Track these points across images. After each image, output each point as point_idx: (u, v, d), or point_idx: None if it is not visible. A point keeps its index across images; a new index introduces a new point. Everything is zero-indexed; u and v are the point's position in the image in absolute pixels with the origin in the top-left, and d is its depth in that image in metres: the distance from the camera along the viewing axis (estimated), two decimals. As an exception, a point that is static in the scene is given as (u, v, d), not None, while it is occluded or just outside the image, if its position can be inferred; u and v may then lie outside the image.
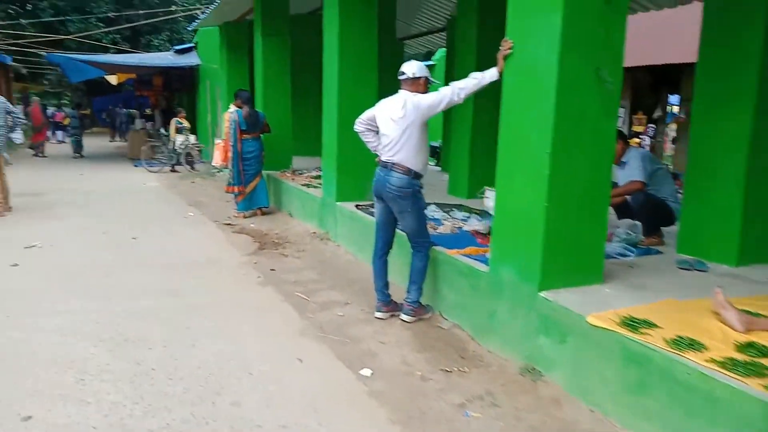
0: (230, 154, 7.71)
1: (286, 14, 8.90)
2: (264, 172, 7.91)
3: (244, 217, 7.72)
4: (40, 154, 17.33)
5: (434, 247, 4.12)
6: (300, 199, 7.47)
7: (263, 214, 7.90)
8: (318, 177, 7.56)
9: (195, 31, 15.41)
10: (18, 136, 7.77)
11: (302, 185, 7.59)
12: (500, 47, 3.33)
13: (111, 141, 22.15)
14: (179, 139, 14.05)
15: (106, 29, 25.65)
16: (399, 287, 4.27)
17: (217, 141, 8.87)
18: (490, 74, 3.49)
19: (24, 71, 25.71)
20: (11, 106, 7.48)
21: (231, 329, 3.84)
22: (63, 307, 4.17)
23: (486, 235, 4.32)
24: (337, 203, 6.15)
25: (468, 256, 3.93)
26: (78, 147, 17.64)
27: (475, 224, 4.78)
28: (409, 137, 3.73)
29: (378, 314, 4.02)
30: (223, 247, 6.26)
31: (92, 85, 29.88)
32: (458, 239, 4.45)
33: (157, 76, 17.74)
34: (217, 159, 8.59)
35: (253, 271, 5.28)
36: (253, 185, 7.72)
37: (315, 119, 7.47)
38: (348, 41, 6.01)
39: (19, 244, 6.03)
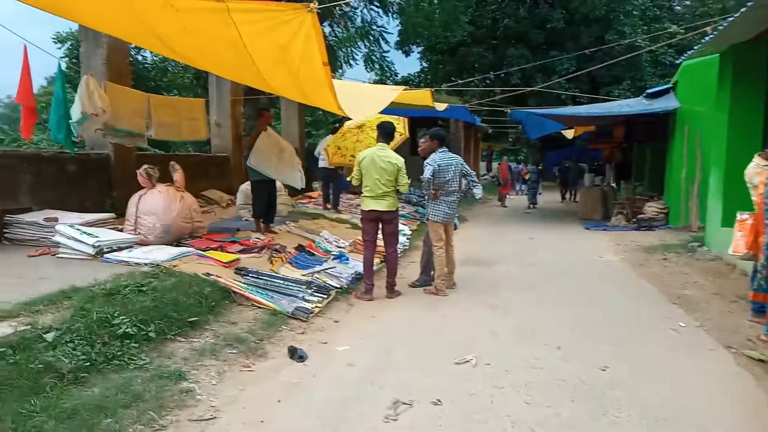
0: (765, 239, 4.47)
1: None
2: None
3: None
4: (503, 205, 19.51)
5: None
6: None
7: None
8: None
9: (676, 68, 12.38)
10: (478, 192, 6.64)
11: None
12: None
13: (561, 201, 22.15)
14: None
15: (566, 84, 25.17)
16: None
17: (741, 216, 5.62)
18: None
19: (490, 131, 27.54)
20: (468, 168, 6.42)
21: None
22: None
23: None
24: None
25: None
26: (533, 200, 19.51)
27: None
28: None
29: None
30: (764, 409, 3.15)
31: (547, 140, 30.27)
32: None
33: (619, 126, 15.38)
34: (739, 244, 5.36)
35: None
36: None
37: None
38: None
39: (449, 351, 4.40)
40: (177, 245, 6.15)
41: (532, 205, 19.18)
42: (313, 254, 7.01)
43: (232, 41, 4.40)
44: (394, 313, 5.57)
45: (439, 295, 6.12)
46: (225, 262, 5.69)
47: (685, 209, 12.22)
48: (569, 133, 21.53)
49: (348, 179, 6.06)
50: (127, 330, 3.82)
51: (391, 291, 6.03)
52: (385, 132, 6.01)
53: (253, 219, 7.70)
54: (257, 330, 4.67)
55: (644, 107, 12.40)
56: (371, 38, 20.37)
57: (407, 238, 9.20)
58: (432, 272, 6.46)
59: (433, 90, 9.79)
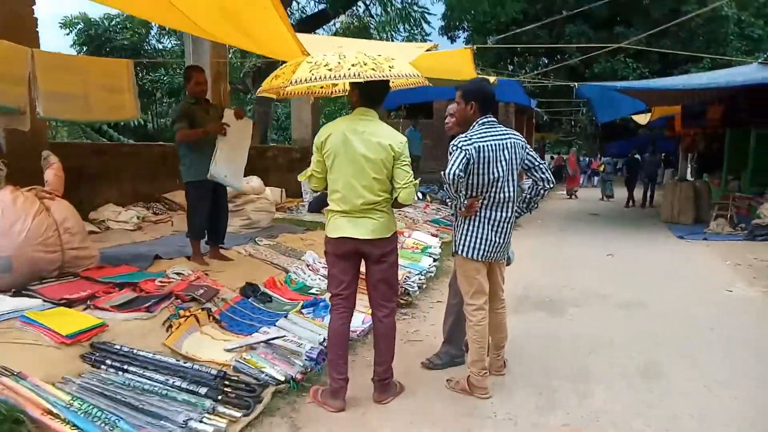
0: None
1: None
2: None
3: None
4: (574, 197, 18.88)
5: None
6: None
7: None
8: None
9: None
10: (546, 186, 3.54)
11: None
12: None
13: (627, 206, 15.96)
14: None
15: (633, 63, 21.41)
16: None
17: None
18: None
19: (545, 118, 24.05)
20: (535, 156, 3.34)
21: None
22: None
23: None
24: None
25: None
26: (609, 191, 18.21)
27: None
28: None
29: None
30: None
31: (607, 130, 26.46)
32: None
33: (716, 105, 11.84)
34: None
35: None
36: None
37: None
38: None
39: None
40: (17, 293, 3.47)
41: (608, 197, 18.11)
42: (270, 299, 4.19)
43: None
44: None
45: (475, 395, 3.16)
46: (68, 335, 2.95)
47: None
48: (642, 119, 17.87)
49: (302, 176, 3.17)
50: None
51: (384, 388, 3.09)
52: (371, 91, 3.03)
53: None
54: None
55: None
56: (412, 20, 17.88)
57: (435, 260, 6.22)
58: (464, 346, 3.53)
59: (475, 49, 6.73)
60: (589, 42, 23.09)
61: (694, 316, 4.85)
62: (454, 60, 6.68)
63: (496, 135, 3.11)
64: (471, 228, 3.14)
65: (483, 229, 3.13)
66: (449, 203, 3.12)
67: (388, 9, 20.78)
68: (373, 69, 2.92)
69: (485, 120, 3.16)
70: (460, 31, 29.76)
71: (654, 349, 4.00)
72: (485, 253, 3.14)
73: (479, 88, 3.26)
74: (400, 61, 3.17)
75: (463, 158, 2.97)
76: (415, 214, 9.09)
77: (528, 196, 3.33)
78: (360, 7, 19.05)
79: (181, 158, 4.72)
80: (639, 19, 22.74)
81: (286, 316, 3.84)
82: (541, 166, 3.24)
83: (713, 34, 20.93)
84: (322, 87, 3.67)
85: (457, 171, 2.93)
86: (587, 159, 28.15)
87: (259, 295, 4.16)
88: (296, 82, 2.96)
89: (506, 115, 16.20)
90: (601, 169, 22.62)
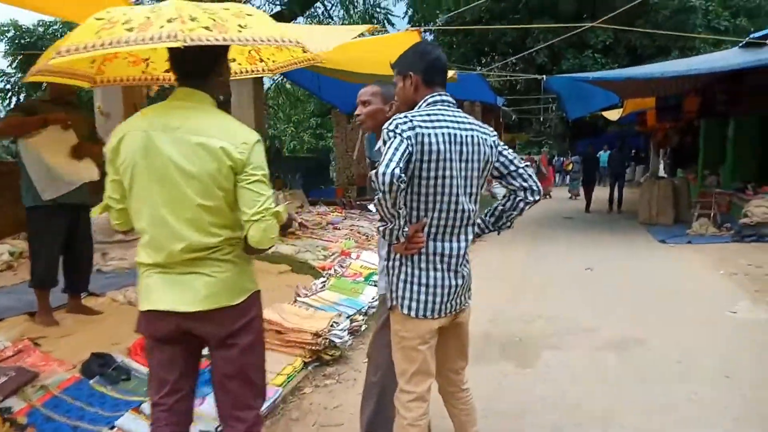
0: None
1: None
2: None
3: None
4: (549, 196, 18.27)
5: None
6: None
7: None
8: None
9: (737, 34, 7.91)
10: (531, 198, 2.29)
11: None
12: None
13: (588, 211, 13.54)
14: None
15: (601, 59, 20.62)
16: None
17: None
18: None
19: (514, 118, 23.21)
20: (512, 155, 2.11)
21: None
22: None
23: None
24: None
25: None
26: (576, 189, 17.38)
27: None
28: None
29: None
30: None
31: (577, 128, 25.68)
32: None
33: (692, 96, 10.93)
34: None
35: None
36: None
37: None
38: None
39: None
40: None
41: (573, 196, 17.67)
42: (128, 376, 2.94)
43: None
44: None
45: None
46: None
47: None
48: (613, 115, 17.02)
49: (95, 210, 1.95)
50: None
51: None
52: (192, 60, 1.74)
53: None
54: None
55: (751, 59, 7.95)
56: (376, 22, 17.16)
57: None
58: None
59: (422, 31, 5.57)
60: (556, 38, 22.35)
61: (702, 356, 3.73)
62: (399, 46, 5.50)
63: (451, 121, 1.94)
64: (414, 270, 1.96)
65: (433, 269, 1.96)
66: (382, 230, 1.93)
67: (351, 11, 19.85)
68: (206, 28, 1.68)
69: (435, 97, 1.99)
70: (427, 34, 28.85)
71: (665, 420, 2.85)
72: (440, 306, 1.96)
73: (419, 50, 2.08)
74: (266, 22, 1.94)
75: (404, 150, 1.80)
76: (370, 228, 7.83)
77: (500, 209, 2.15)
78: (319, 8, 17.93)
79: (22, 175, 3.46)
80: (605, 14, 22.04)
81: (138, 406, 2.60)
82: (521, 171, 2.07)
83: (681, 26, 20.25)
84: (145, 66, 2.34)
85: (396, 170, 1.74)
86: (561, 159, 27.51)
87: (112, 371, 2.90)
88: (69, 51, 1.70)
89: (472, 114, 15.06)
90: (569, 167, 22.19)
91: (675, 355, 3.74)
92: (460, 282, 1.99)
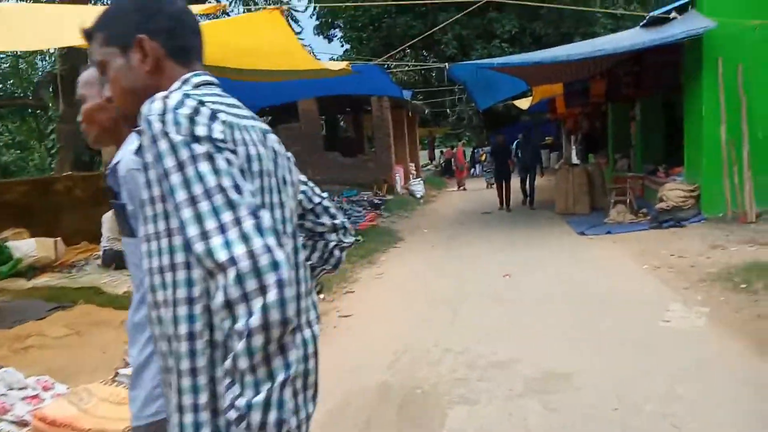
0: None
1: None
2: None
3: None
4: (463, 188, 18.76)
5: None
6: None
7: None
8: None
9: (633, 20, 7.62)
10: (348, 240, 1.24)
11: None
12: None
13: (501, 208, 12.04)
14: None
15: (508, 49, 20.50)
16: None
17: None
18: None
19: (426, 111, 22.71)
20: (297, 179, 1.04)
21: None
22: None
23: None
24: None
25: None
26: (490, 180, 17.00)
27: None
28: None
29: None
30: None
31: (491, 119, 25.55)
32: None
33: (599, 79, 10.60)
34: None
35: None
36: None
37: None
38: None
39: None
40: None
41: (489, 186, 17.28)
42: None
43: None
44: None
45: None
46: None
47: (731, 189, 7.52)
48: (524, 103, 16.74)
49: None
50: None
51: None
52: None
53: None
54: None
55: (656, 37, 7.52)
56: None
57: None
58: None
59: (284, 9, 4.50)
60: (463, 30, 22.00)
61: (641, 398, 2.93)
62: (258, 30, 4.37)
63: (245, 117, 0.99)
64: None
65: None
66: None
67: (251, 8, 18.69)
68: None
69: (201, 77, 1.03)
70: (336, 30, 27.74)
71: None
72: None
73: (147, 4, 1.04)
74: None
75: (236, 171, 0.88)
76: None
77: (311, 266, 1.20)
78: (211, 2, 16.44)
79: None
80: (512, 6, 21.98)
81: None
82: (327, 204, 1.20)
83: (582, 13, 20.49)
84: None
85: (280, 256, 0.87)
86: (479, 150, 26.98)
87: None
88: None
89: (380, 111, 14.16)
90: (482, 159, 22.32)
91: (610, 398, 2.92)
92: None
